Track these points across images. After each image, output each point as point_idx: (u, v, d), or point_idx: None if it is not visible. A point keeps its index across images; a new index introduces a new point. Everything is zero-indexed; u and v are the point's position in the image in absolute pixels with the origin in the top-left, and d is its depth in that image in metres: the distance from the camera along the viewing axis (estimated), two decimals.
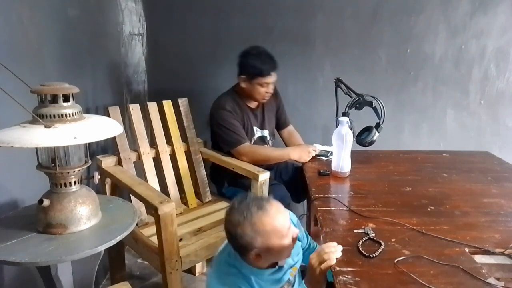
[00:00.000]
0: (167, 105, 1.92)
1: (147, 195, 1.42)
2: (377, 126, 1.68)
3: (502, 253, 1.00)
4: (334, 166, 1.56)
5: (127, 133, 1.82)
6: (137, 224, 1.57)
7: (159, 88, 2.44)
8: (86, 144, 1.06)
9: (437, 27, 2.12)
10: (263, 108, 1.98)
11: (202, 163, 2.02)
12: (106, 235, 1.06)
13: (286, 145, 2.07)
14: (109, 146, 1.88)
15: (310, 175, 1.59)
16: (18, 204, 1.29)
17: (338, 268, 0.93)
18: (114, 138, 1.69)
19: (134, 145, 1.81)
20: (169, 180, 1.87)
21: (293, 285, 1.15)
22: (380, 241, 1.04)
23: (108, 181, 1.69)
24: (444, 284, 0.87)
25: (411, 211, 1.24)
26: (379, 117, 1.65)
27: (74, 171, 1.07)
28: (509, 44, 2.08)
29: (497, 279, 0.90)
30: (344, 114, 1.72)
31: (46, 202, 1.03)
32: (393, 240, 1.05)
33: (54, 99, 1.00)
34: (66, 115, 1.00)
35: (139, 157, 1.79)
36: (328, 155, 1.78)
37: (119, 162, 1.72)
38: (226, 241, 1.07)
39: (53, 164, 1.04)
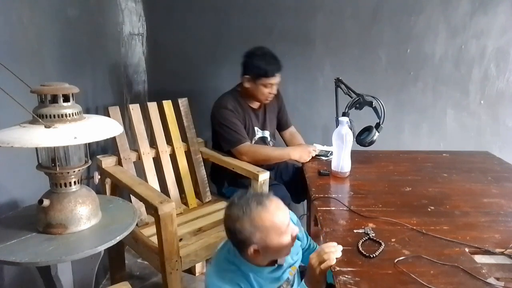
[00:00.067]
0: (167, 105, 1.92)
1: (147, 195, 1.42)
2: (377, 126, 1.68)
3: (502, 253, 1.00)
4: (334, 166, 1.56)
5: (127, 133, 1.82)
6: (137, 224, 1.57)
7: (159, 88, 2.44)
8: (86, 144, 1.06)
9: (437, 27, 2.12)
10: (265, 109, 1.98)
11: (202, 163, 2.02)
12: (106, 235, 1.06)
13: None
14: (109, 146, 1.88)
15: (310, 175, 1.59)
16: (18, 204, 1.29)
17: (338, 268, 0.93)
18: (114, 138, 1.69)
19: (134, 145, 1.81)
20: (169, 180, 1.87)
21: (292, 285, 1.15)
22: (380, 241, 1.04)
23: (108, 181, 1.69)
24: (444, 284, 0.87)
25: (411, 211, 1.24)
26: (379, 117, 1.65)
27: (74, 171, 1.07)
28: (509, 44, 2.08)
29: (497, 279, 0.90)
30: (344, 114, 1.72)
31: (46, 202, 1.03)
32: (393, 240, 1.05)
33: (54, 99, 1.00)
34: (66, 115, 1.00)
35: (139, 157, 1.79)
36: (328, 155, 1.78)
37: (119, 162, 1.72)
38: (226, 238, 1.07)
39: (53, 164, 1.04)
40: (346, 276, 0.90)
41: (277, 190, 1.77)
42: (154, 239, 1.51)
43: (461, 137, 2.25)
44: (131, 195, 1.62)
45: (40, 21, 1.41)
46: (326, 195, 1.36)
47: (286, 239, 0.99)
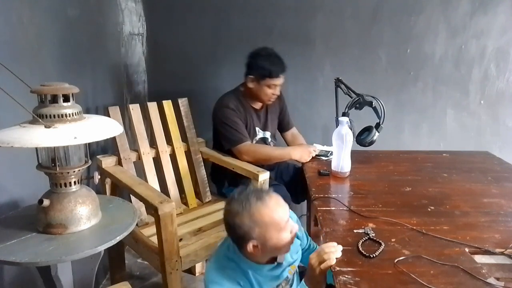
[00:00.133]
0: (167, 105, 1.92)
1: (147, 195, 1.42)
2: (377, 126, 1.68)
3: (502, 253, 1.00)
4: (334, 166, 1.56)
5: (127, 133, 1.82)
6: (137, 224, 1.57)
7: (159, 88, 2.43)
8: (86, 144, 1.06)
9: (437, 27, 2.12)
10: (267, 110, 1.98)
11: (202, 163, 2.02)
12: (106, 235, 1.06)
13: None
14: (109, 146, 1.88)
15: (310, 175, 1.59)
16: (18, 204, 1.29)
17: (338, 268, 0.93)
18: (114, 138, 1.69)
19: (134, 145, 1.81)
20: (169, 180, 1.87)
21: (291, 285, 1.15)
22: (380, 241, 1.04)
23: (108, 181, 1.69)
24: (444, 284, 0.87)
25: (411, 211, 1.24)
26: (379, 117, 1.65)
27: (74, 171, 1.07)
28: (509, 44, 2.08)
29: (497, 279, 0.90)
30: (344, 114, 1.72)
31: (46, 202, 1.03)
32: (393, 240, 1.05)
33: (54, 99, 1.00)
34: (66, 115, 1.00)
35: (139, 157, 1.79)
36: (328, 155, 1.78)
37: (119, 162, 1.72)
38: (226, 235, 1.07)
39: (53, 164, 1.04)
40: (346, 276, 0.90)
41: (277, 190, 1.73)
42: (154, 239, 1.51)
43: (461, 137, 2.25)
44: (131, 195, 1.62)
45: (40, 21, 1.41)
46: (326, 195, 1.36)
47: (285, 235, 0.99)
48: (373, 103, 1.64)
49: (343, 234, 1.10)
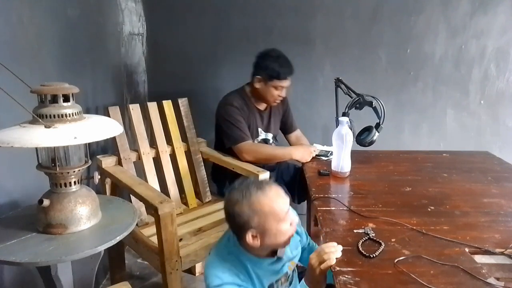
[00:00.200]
0: (167, 105, 1.92)
1: (147, 195, 1.42)
2: (377, 126, 1.68)
3: (502, 253, 1.00)
4: (334, 166, 1.56)
5: (127, 133, 1.82)
6: (137, 224, 1.57)
7: (159, 88, 2.44)
8: (86, 144, 1.06)
9: (437, 27, 2.13)
10: (270, 112, 1.99)
11: (202, 163, 2.02)
12: (106, 235, 1.06)
13: None
14: (109, 146, 1.88)
15: (310, 175, 1.59)
16: (18, 204, 1.29)
17: (338, 268, 0.92)
18: (114, 138, 1.69)
19: (134, 145, 1.81)
20: (169, 180, 1.87)
21: (290, 282, 1.15)
22: (380, 241, 1.04)
23: (108, 181, 1.69)
24: (444, 284, 0.87)
25: (411, 211, 1.24)
26: (379, 117, 1.65)
27: (74, 171, 1.07)
28: (509, 44, 2.08)
29: (497, 279, 0.90)
30: (344, 114, 1.72)
31: (46, 202, 1.03)
32: (393, 240, 1.05)
33: (54, 99, 1.00)
34: (66, 115, 1.00)
35: (139, 157, 1.79)
36: (328, 155, 1.78)
37: (119, 162, 1.72)
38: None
39: (53, 164, 1.04)
40: (346, 276, 0.90)
41: None
42: (154, 239, 1.51)
43: (461, 137, 2.25)
44: (131, 195, 1.62)
45: (40, 21, 1.41)
46: (326, 195, 1.36)
47: (285, 226, 0.99)
48: (373, 103, 1.64)
49: (343, 234, 1.10)
